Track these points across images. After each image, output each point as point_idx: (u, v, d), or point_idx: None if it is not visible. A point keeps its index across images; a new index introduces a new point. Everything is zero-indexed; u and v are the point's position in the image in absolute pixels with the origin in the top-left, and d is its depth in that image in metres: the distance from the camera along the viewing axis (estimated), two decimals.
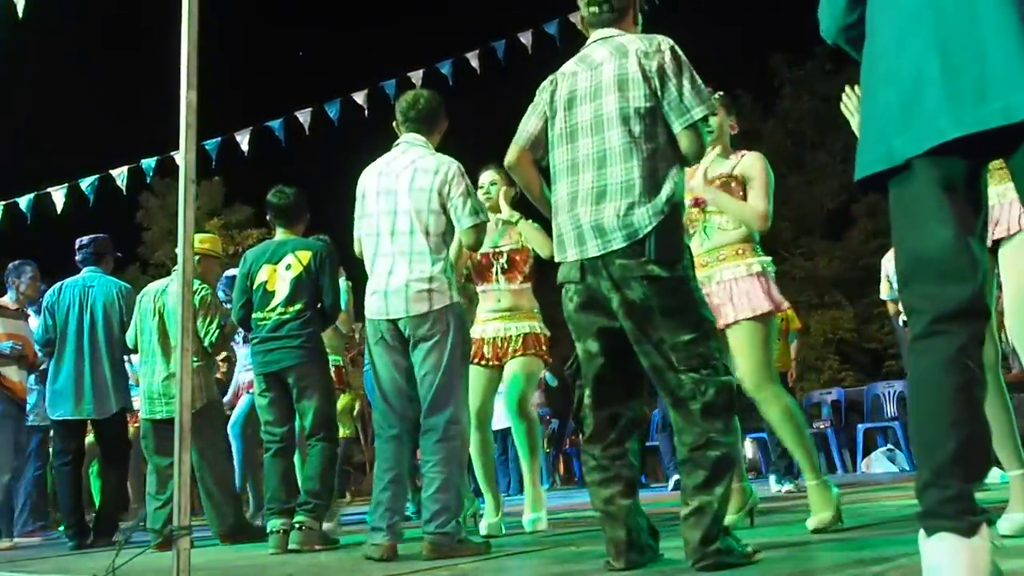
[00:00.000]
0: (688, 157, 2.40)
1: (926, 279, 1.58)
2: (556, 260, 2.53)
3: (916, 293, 1.60)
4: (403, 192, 3.24)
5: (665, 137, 2.38)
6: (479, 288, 4.14)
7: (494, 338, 4.02)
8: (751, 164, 3.33)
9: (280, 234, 4.21)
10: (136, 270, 21.81)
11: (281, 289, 4.01)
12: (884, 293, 6.23)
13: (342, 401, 9.68)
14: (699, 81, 2.38)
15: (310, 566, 3.25)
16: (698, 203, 3.36)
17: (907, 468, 7.80)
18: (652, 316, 2.29)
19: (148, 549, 4.07)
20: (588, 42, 2.57)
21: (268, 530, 3.90)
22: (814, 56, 19.80)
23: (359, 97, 7.39)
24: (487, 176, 4.12)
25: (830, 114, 19.72)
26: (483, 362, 3.99)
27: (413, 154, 3.34)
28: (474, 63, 7.35)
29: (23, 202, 8.01)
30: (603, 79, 2.44)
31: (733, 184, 3.31)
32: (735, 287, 3.21)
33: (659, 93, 2.36)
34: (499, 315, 4.05)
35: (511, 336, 4.03)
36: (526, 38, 7.30)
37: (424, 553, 3.06)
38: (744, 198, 3.28)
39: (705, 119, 2.41)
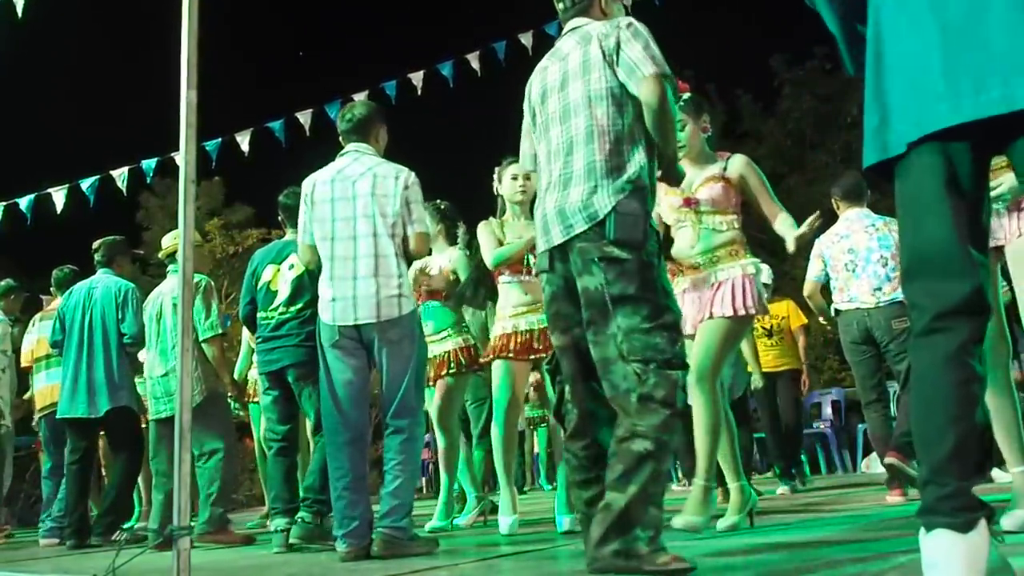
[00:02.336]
0: (650, 109, 2.28)
1: (927, 275, 1.58)
2: (536, 252, 2.54)
3: (918, 289, 1.60)
4: (364, 196, 3.32)
5: (631, 118, 2.34)
6: (508, 280, 3.97)
7: (529, 331, 3.88)
8: (746, 168, 3.37)
9: (289, 234, 4.21)
10: (136, 270, 21.82)
11: (283, 289, 4.04)
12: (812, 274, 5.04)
13: None
14: (654, 47, 2.31)
15: (310, 566, 3.25)
16: (689, 203, 3.35)
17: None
18: (610, 301, 2.22)
19: (148, 549, 4.06)
20: (561, 35, 2.60)
21: (272, 529, 3.91)
22: (814, 56, 19.77)
23: (360, 98, 7.38)
24: (518, 168, 3.96)
25: (830, 114, 19.77)
26: (517, 356, 3.86)
27: (367, 161, 3.43)
28: (474, 64, 7.35)
29: (23, 202, 8.01)
30: (569, 68, 2.45)
31: (724, 184, 3.33)
32: (726, 287, 3.24)
33: (616, 68, 2.33)
34: (530, 308, 3.92)
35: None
36: (526, 39, 7.30)
37: (376, 548, 3.15)
38: (736, 199, 3.34)
39: (663, 80, 2.29)
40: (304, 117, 7.54)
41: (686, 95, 3.39)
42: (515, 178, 4.01)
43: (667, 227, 3.46)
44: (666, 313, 2.24)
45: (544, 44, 7.25)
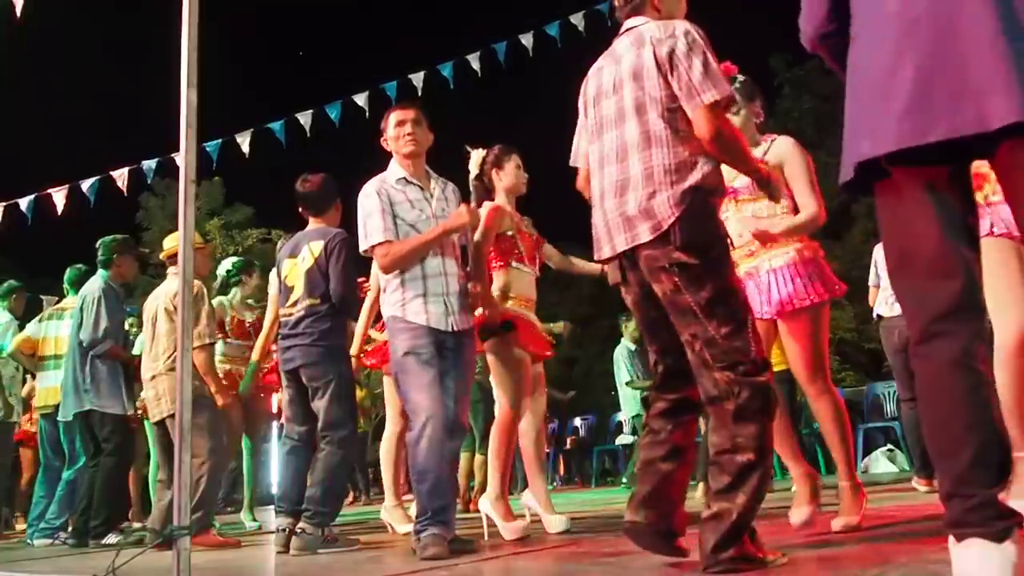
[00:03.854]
0: (705, 142, 2.27)
1: (913, 275, 1.57)
2: (595, 259, 2.54)
3: (905, 292, 1.60)
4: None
5: (687, 125, 2.30)
6: (518, 266, 3.87)
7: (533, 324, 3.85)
8: (787, 151, 3.16)
9: (310, 224, 4.11)
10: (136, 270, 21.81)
11: (298, 284, 3.95)
12: (872, 279, 5.62)
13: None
14: (713, 64, 2.27)
15: (310, 566, 3.25)
16: (726, 194, 3.21)
17: (907, 468, 7.79)
18: (683, 308, 2.23)
19: (147, 549, 4.06)
20: (618, 35, 2.54)
21: (275, 528, 3.89)
22: (814, 56, 19.78)
23: (360, 99, 7.38)
24: (519, 158, 3.96)
25: (830, 114, 19.74)
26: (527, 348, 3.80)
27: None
28: (475, 65, 7.35)
29: (24, 203, 8.01)
30: (623, 71, 2.41)
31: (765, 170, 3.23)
32: (786, 273, 3.09)
33: (671, 79, 2.29)
34: (531, 303, 3.89)
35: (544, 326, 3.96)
36: (527, 40, 7.30)
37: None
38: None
39: (726, 105, 2.30)
40: (304, 117, 7.54)
41: (739, 78, 3.22)
42: (520, 167, 3.95)
43: None
44: (740, 313, 2.23)
45: (544, 44, 7.26)
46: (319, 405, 3.84)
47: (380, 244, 3.31)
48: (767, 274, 3.14)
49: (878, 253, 4.80)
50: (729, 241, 2.38)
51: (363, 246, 3.38)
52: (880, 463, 7.85)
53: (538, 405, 4.00)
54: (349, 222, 3.63)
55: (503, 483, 3.76)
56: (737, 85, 3.18)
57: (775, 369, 6.30)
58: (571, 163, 2.70)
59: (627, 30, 2.48)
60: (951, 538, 1.49)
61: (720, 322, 2.20)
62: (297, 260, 3.99)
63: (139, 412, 6.50)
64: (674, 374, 2.41)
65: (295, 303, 3.94)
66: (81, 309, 5.21)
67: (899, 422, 8.40)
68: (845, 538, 2.73)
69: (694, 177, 2.27)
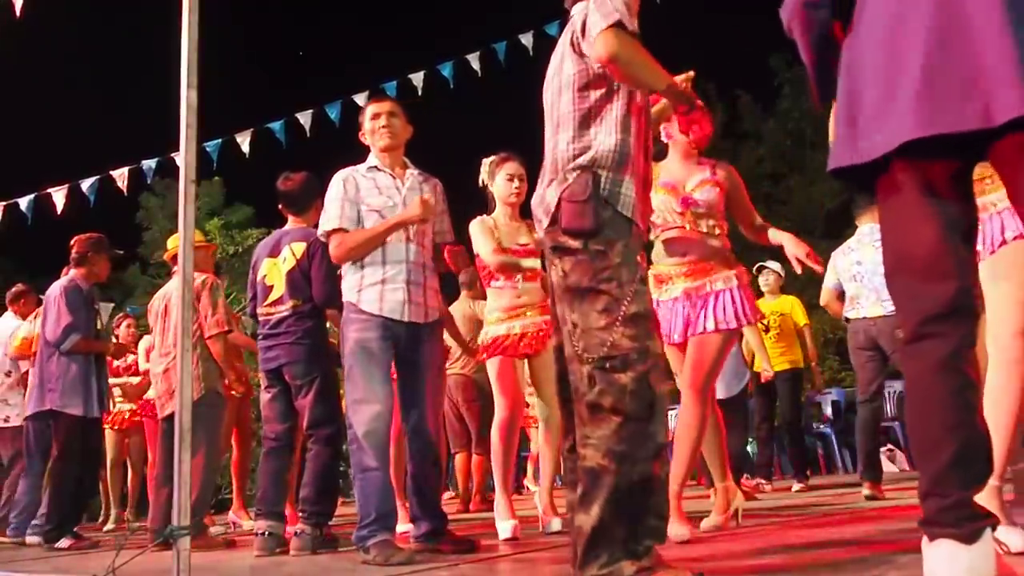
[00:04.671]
0: (605, 65, 2.12)
1: (909, 275, 1.57)
2: None
3: (901, 291, 1.59)
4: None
5: (594, 99, 2.20)
6: (501, 284, 3.86)
7: (523, 333, 3.82)
8: (732, 178, 3.37)
9: (288, 223, 4.13)
10: (136, 270, 21.79)
11: (278, 284, 3.96)
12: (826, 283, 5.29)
13: None
14: (611, 3, 2.10)
15: (310, 566, 3.25)
16: (688, 203, 3.28)
17: (907, 468, 7.80)
18: (565, 294, 2.10)
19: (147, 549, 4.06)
20: None
21: (254, 532, 3.86)
22: None
23: (360, 99, 7.37)
24: (515, 168, 3.92)
25: (830, 114, 19.76)
26: (511, 354, 3.80)
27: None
28: (475, 64, 7.35)
29: (23, 203, 8.01)
30: (555, 61, 2.37)
31: (719, 190, 3.30)
32: (723, 297, 3.22)
33: (582, 46, 2.18)
34: (520, 311, 3.85)
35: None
36: (527, 39, 7.30)
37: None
38: (724, 204, 3.32)
39: (628, 31, 2.10)
40: (304, 117, 7.54)
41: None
42: (511, 179, 3.89)
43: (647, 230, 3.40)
44: (623, 305, 2.03)
45: (544, 44, 7.26)
46: (304, 403, 3.84)
47: (334, 232, 3.27)
48: (702, 298, 3.24)
49: (836, 258, 4.92)
50: (632, 225, 2.16)
51: (319, 231, 3.36)
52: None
53: (553, 404, 3.95)
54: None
55: (506, 482, 3.75)
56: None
57: (775, 368, 6.30)
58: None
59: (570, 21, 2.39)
60: (924, 538, 1.50)
61: (597, 312, 2.03)
62: (278, 260, 3.99)
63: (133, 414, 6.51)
64: (564, 396, 2.22)
65: (275, 303, 3.95)
66: (45, 309, 5.20)
67: (899, 422, 8.42)
68: (845, 539, 2.73)
69: (584, 158, 2.16)
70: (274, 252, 4.04)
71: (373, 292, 3.21)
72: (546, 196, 2.21)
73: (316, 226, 3.95)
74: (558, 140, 2.23)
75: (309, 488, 3.76)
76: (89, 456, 5.23)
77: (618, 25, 2.07)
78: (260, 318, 4.01)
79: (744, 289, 3.27)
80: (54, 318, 5.07)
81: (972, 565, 1.44)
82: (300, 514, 3.77)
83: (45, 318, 5.17)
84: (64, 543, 4.84)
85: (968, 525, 1.46)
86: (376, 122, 3.42)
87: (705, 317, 3.22)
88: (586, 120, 2.20)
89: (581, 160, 2.15)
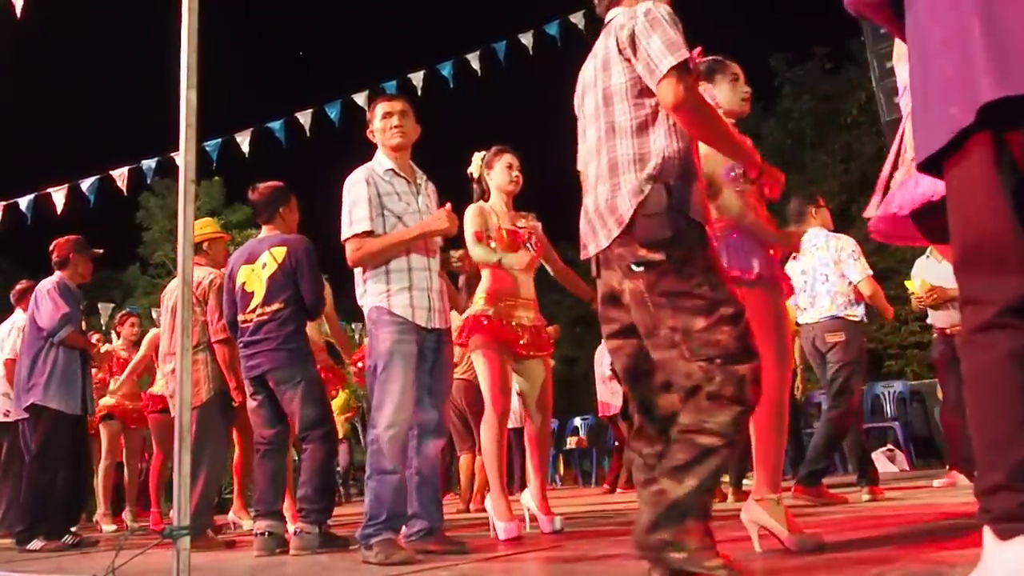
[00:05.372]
0: (671, 112, 2.17)
1: (984, 268, 1.50)
2: (581, 258, 2.44)
3: (975, 283, 1.52)
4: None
5: (651, 111, 2.22)
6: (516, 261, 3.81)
7: (518, 326, 3.83)
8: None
9: (263, 231, 4.18)
10: (136, 270, 21.83)
11: (258, 290, 3.95)
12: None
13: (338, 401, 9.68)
14: (672, 34, 2.15)
15: (310, 566, 3.25)
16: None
17: (907, 468, 7.80)
18: (655, 304, 2.13)
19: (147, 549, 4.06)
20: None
21: (253, 532, 3.87)
22: (814, 56, 19.80)
23: (360, 98, 7.39)
24: (513, 159, 3.95)
25: (830, 114, 19.78)
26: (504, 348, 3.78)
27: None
28: (475, 64, 7.35)
29: (23, 202, 8.02)
30: (597, 65, 2.36)
31: None
32: None
33: (633, 62, 2.20)
34: (517, 302, 3.87)
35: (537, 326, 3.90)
36: (527, 39, 7.30)
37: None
38: None
39: (695, 75, 2.19)
40: (304, 117, 7.55)
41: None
42: (510, 167, 3.95)
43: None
44: (721, 306, 2.10)
45: (544, 44, 7.26)
46: (292, 408, 3.86)
47: (360, 235, 3.23)
48: None
49: (789, 270, 4.93)
50: (704, 229, 2.20)
51: (345, 234, 3.28)
52: (880, 463, 7.85)
53: (543, 402, 3.97)
54: (319, 226, 3.53)
55: (500, 482, 3.75)
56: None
57: None
58: (578, 168, 2.67)
59: (606, 24, 2.41)
60: (990, 534, 1.43)
61: (696, 315, 2.09)
62: (256, 266, 4.00)
63: (106, 415, 6.49)
64: (641, 396, 2.29)
65: (255, 309, 3.94)
66: (36, 304, 5.16)
67: (899, 422, 8.42)
68: (845, 539, 2.73)
69: (654, 166, 2.17)
70: (250, 259, 4.04)
71: (403, 298, 3.21)
72: (618, 205, 2.20)
73: (291, 231, 4.11)
74: (616, 146, 2.25)
75: (307, 487, 3.78)
76: (72, 456, 5.12)
77: (683, 67, 2.12)
78: (240, 326, 4.01)
79: None
80: (49, 308, 5.05)
81: None
82: (299, 513, 3.79)
83: (37, 311, 5.12)
84: (36, 544, 4.80)
85: None
86: (388, 121, 3.40)
87: None
88: (644, 127, 2.23)
89: (650, 170, 2.17)
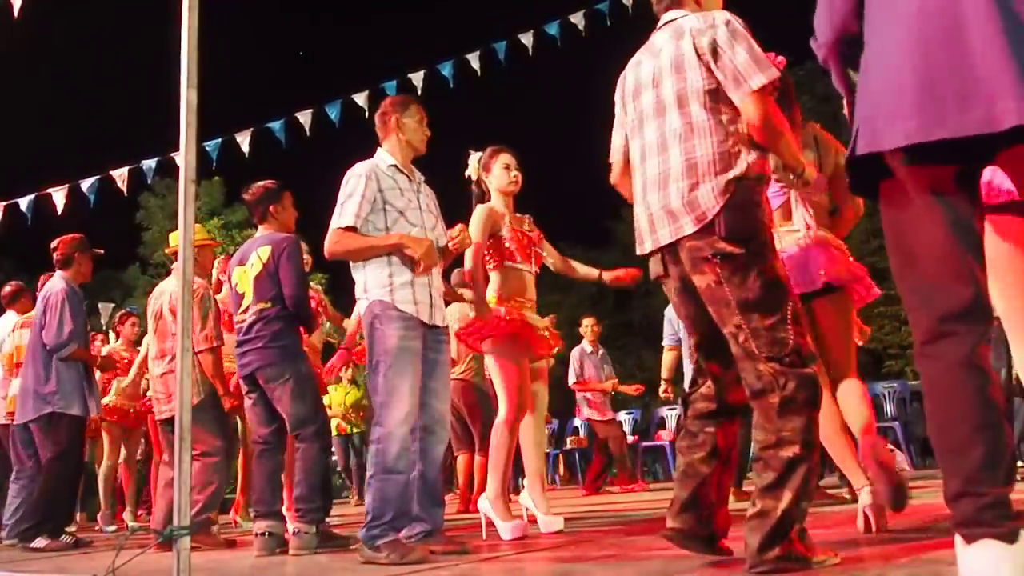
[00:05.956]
0: (754, 128, 2.26)
1: (920, 276, 1.57)
2: (637, 254, 2.49)
3: (911, 292, 1.59)
4: None
5: (730, 115, 2.29)
6: (516, 266, 3.85)
7: (530, 326, 3.80)
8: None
9: (259, 231, 4.21)
10: (136, 270, 21.83)
11: (248, 290, 3.99)
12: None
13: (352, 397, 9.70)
14: (757, 50, 2.25)
15: (310, 566, 3.25)
16: None
17: (907, 468, 7.80)
18: (727, 299, 2.20)
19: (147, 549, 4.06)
20: (656, 29, 2.53)
21: (253, 532, 3.87)
22: (814, 56, 19.79)
23: (360, 98, 7.39)
24: (510, 158, 3.95)
25: (830, 114, 19.71)
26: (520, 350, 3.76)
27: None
28: (475, 64, 7.35)
29: (23, 203, 8.01)
30: (662, 64, 2.39)
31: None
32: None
33: (714, 69, 2.27)
34: (527, 304, 3.85)
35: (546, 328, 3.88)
36: (527, 39, 7.30)
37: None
38: None
39: (773, 90, 2.26)
40: (304, 117, 7.54)
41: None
42: (508, 168, 3.92)
43: None
44: (786, 304, 2.19)
45: (545, 45, 7.27)
46: (283, 406, 3.86)
47: (343, 228, 3.20)
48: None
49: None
50: (772, 230, 2.33)
51: (334, 224, 3.25)
52: None
53: (540, 402, 3.96)
54: (318, 226, 3.51)
55: (503, 483, 3.74)
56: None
57: None
58: (610, 159, 2.68)
59: (666, 23, 2.46)
60: (958, 539, 1.47)
61: (764, 313, 2.16)
62: (246, 267, 4.03)
63: (103, 418, 6.48)
64: (713, 374, 2.39)
65: (246, 309, 3.98)
66: (44, 311, 5.13)
67: (899, 422, 8.42)
68: (845, 538, 2.73)
69: (739, 167, 2.25)
70: (242, 261, 4.09)
71: (406, 292, 3.19)
72: (699, 201, 2.26)
73: (285, 230, 4.12)
74: (695, 146, 2.30)
75: (301, 487, 3.76)
76: (81, 458, 5.26)
77: (771, 90, 2.23)
78: (236, 326, 4.06)
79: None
80: (56, 323, 5.05)
81: (1016, 565, 1.40)
82: (296, 514, 3.77)
83: (45, 321, 5.11)
84: (40, 543, 4.83)
85: (1009, 524, 1.43)
86: (422, 126, 3.46)
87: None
88: (723, 129, 2.29)
89: (738, 169, 2.25)
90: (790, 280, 2.30)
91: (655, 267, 2.44)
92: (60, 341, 5.03)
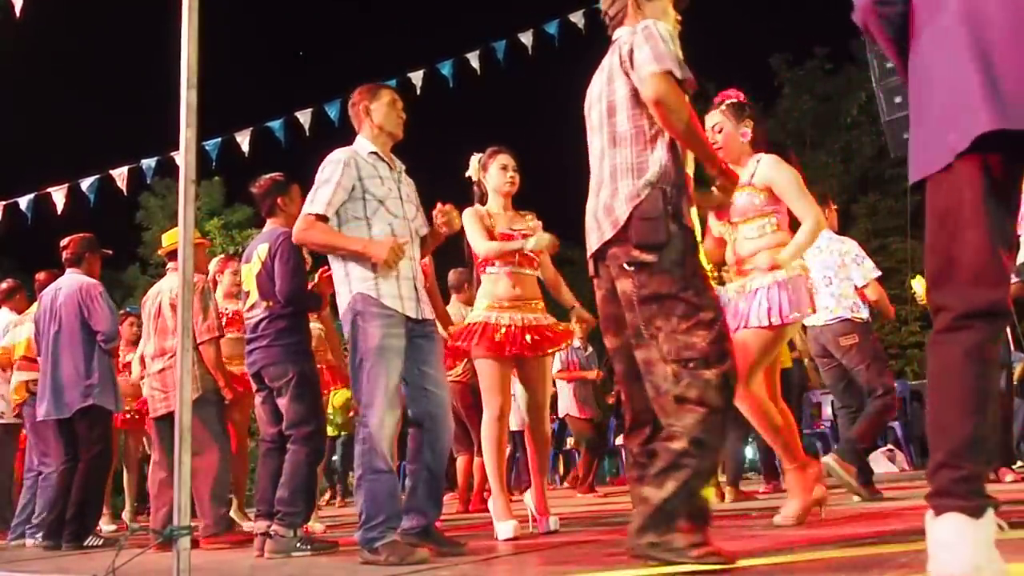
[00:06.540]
0: (648, 104, 2.29)
1: (960, 281, 1.61)
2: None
3: (948, 293, 1.63)
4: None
5: (651, 124, 2.37)
6: (496, 269, 3.83)
7: (510, 326, 3.77)
8: (772, 171, 3.36)
9: (265, 225, 4.20)
10: (136, 270, 21.81)
11: (252, 289, 4.01)
12: None
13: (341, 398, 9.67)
14: (662, 46, 2.28)
15: (310, 566, 3.25)
16: (721, 218, 3.41)
17: (907, 468, 7.80)
18: (642, 304, 2.28)
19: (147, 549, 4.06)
20: None
21: (254, 532, 3.86)
22: (814, 56, 19.80)
23: None
24: (508, 159, 3.95)
25: (830, 114, 19.77)
26: (500, 353, 3.74)
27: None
28: (474, 63, 7.35)
29: (23, 202, 8.02)
30: (603, 79, 2.52)
31: (749, 191, 3.33)
32: (761, 294, 3.27)
33: (631, 74, 2.36)
34: (515, 303, 3.81)
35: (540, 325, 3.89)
36: (526, 39, 7.30)
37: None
38: (766, 203, 3.35)
39: (687, 85, 2.30)
40: (304, 117, 7.55)
41: (728, 101, 3.46)
42: (504, 168, 3.93)
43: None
44: (702, 311, 2.25)
45: (544, 44, 7.26)
46: (283, 404, 3.86)
47: (313, 215, 3.16)
48: (748, 293, 3.32)
49: None
50: (694, 235, 2.37)
51: (305, 209, 3.20)
52: (880, 463, 7.85)
53: (538, 400, 3.92)
54: None
55: (499, 480, 3.74)
56: (723, 107, 3.44)
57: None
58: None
59: (613, 42, 2.56)
60: (929, 513, 1.53)
61: (679, 318, 2.24)
62: (251, 265, 4.05)
63: (130, 414, 6.48)
64: (632, 396, 2.44)
65: (252, 307, 4.00)
66: (85, 307, 5.07)
67: (899, 422, 8.42)
68: (845, 538, 2.73)
69: (651, 173, 2.33)
70: (247, 259, 4.12)
71: (391, 286, 3.14)
72: (614, 208, 2.36)
73: (288, 224, 3.92)
74: (616, 154, 2.40)
75: (284, 489, 3.70)
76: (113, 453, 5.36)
77: (669, 73, 2.26)
78: (245, 323, 4.09)
79: (782, 286, 3.25)
80: (106, 314, 5.05)
81: (977, 539, 1.47)
82: (275, 515, 3.69)
83: (88, 314, 5.03)
84: (93, 540, 4.87)
85: (977, 500, 1.50)
86: (395, 106, 3.42)
87: (748, 314, 3.29)
88: (642, 136, 2.38)
89: (649, 176, 2.32)
90: (712, 288, 2.38)
91: (591, 268, 2.53)
92: (113, 330, 5.08)
